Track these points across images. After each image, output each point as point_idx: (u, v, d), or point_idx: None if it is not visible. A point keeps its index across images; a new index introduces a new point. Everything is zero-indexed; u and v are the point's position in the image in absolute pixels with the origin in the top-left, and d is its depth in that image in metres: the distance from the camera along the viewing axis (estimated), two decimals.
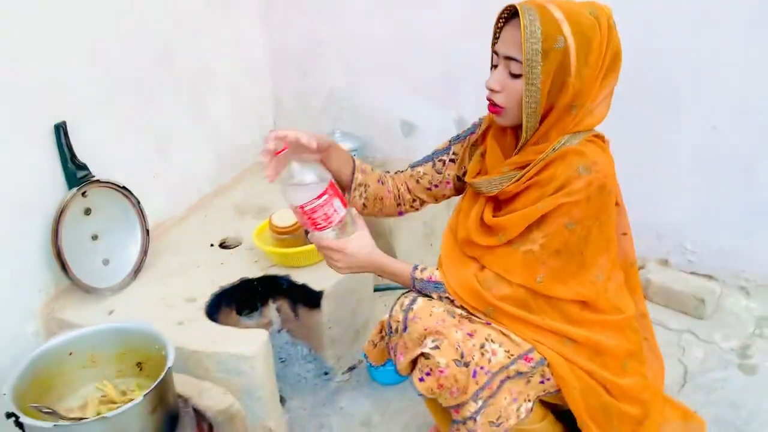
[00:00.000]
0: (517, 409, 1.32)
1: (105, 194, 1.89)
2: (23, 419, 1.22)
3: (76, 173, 1.80)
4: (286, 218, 1.95)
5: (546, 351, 1.33)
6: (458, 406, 1.30)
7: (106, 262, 1.91)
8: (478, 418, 1.29)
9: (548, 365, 1.33)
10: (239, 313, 1.98)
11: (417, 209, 1.59)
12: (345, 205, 1.33)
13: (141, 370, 1.52)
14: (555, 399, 1.40)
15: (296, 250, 1.93)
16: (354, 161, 1.48)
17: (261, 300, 2.00)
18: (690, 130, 2.18)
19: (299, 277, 1.94)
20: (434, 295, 1.39)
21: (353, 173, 1.47)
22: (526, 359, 1.32)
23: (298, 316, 2.00)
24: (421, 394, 1.31)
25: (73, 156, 1.80)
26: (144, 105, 2.09)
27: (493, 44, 1.31)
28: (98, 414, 1.42)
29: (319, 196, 1.27)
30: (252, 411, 1.65)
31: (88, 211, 1.86)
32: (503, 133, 1.38)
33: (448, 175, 1.52)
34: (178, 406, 1.44)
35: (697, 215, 2.27)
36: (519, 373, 1.31)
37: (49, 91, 1.74)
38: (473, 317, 1.36)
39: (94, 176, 1.84)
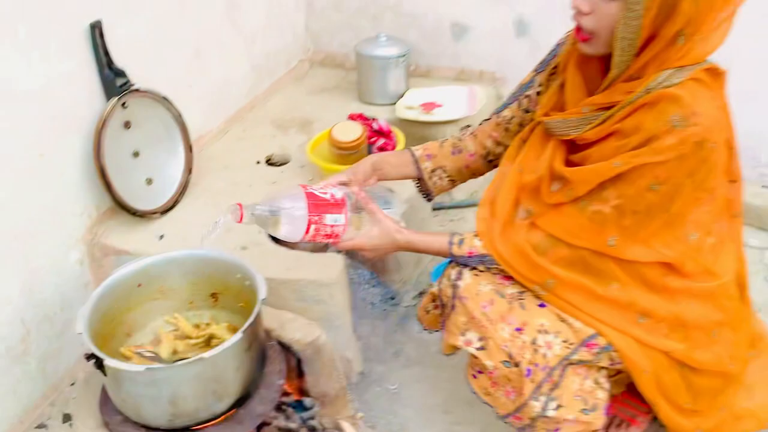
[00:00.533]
0: (596, 381, 1.18)
1: (145, 105, 1.67)
2: (109, 362, 1.07)
3: (114, 81, 1.57)
4: (349, 132, 1.76)
5: (612, 335, 1.15)
6: (518, 410, 1.17)
7: (149, 181, 1.72)
8: (549, 413, 1.14)
9: (615, 350, 1.16)
10: None
11: None
12: (341, 208, 1.19)
13: (216, 301, 1.38)
14: None
15: None
16: (413, 154, 1.38)
17: None
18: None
19: None
20: (481, 267, 1.22)
21: (418, 166, 1.38)
22: (588, 346, 1.15)
23: None
24: (475, 392, 1.23)
25: (110, 61, 1.57)
26: (178, 8, 1.84)
27: None
28: (174, 351, 1.28)
29: (306, 231, 1.16)
30: (331, 341, 1.52)
31: (128, 125, 1.65)
32: (588, 61, 1.11)
33: None
34: (265, 340, 1.30)
35: None
36: (582, 362, 1.16)
37: None
38: (525, 296, 1.19)
39: (133, 84, 1.62)
